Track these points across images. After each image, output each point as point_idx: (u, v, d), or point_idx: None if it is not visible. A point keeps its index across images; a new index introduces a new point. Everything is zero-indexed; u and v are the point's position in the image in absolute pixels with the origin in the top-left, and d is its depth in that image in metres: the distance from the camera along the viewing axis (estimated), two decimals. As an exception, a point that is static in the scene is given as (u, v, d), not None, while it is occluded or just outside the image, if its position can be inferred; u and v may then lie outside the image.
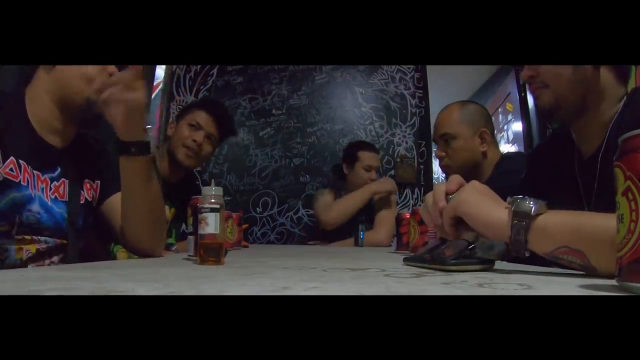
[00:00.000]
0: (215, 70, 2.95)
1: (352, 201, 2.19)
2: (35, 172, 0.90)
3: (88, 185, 1.02)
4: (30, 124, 0.92)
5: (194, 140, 1.60)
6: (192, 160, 1.62)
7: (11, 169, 0.85)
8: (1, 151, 0.85)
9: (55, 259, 0.93)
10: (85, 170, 1.01)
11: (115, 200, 1.03)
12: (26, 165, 0.88)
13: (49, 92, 0.93)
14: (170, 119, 1.74)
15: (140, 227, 0.96)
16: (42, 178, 0.91)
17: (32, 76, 0.95)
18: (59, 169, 0.95)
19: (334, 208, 2.21)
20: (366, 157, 2.26)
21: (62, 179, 0.95)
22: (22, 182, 0.87)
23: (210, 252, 0.74)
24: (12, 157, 0.85)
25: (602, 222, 0.52)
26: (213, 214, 0.74)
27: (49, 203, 0.92)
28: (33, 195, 0.88)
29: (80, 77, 0.92)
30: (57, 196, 0.94)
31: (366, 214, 2.23)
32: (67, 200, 0.95)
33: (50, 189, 0.93)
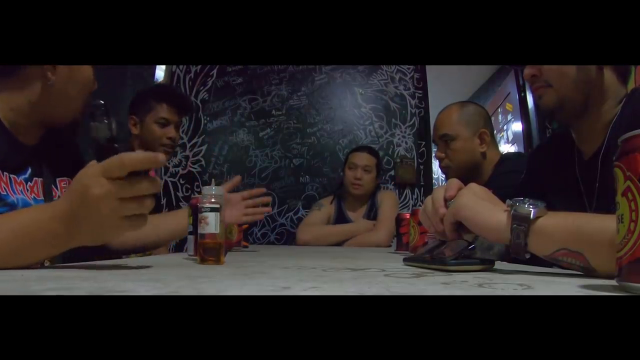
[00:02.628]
0: (215, 71, 2.95)
1: (332, 234, 2.16)
2: (11, 175, 0.87)
3: (63, 183, 1.00)
4: (2, 124, 0.87)
5: (169, 138, 1.71)
6: (169, 156, 1.78)
7: None
8: None
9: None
10: (58, 168, 0.99)
11: None
12: (1, 173, 0.84)
13: (35, 107, 0.88)
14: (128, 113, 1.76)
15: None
16: (19, 180, 0.89)
17: (9, 76, 0.87)
18: (30, 169, 0.92)
19: (312, 230, 2.18)
20: (352, 156, 2.26)
21: (35, 178, 0.93)
22: (0, 192, 0.84)
23: (210, 252, 0.74)
24: None
25: (601, 224, 0.52)
26: (213, 213, 0.74)
27: (32, 203, 0.91)
28: (15, 200, 0.87)
29: (67, 106, 0.90)
30: (35, 196, 0.92)
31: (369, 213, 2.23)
32: (42, 198, 0.93)
33: (28, 189, 0.91)
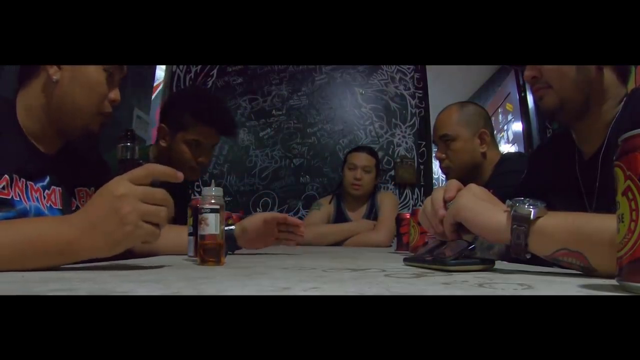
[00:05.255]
0: (215, 71, 2.95)
1: (332, 233, 2.15)
2: (28, 182, 0.88)
3: (82, 193, 1.00)
4: (22, 130, 0.89)
5: (199, 162, 1.46)
6: (195, 175, 1.52)
7: (3, 187, 0.82)
8: None
9: None
10: (77, 177, 0.99)
11: None
12: (17, 179, 0.85)
13: (44, 107, 0.89)
14: (158, 123, 1.56)
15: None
16: (35, 187, 0.89)
17: (26, 81, 0.90)
18: (48, 178, 0.92)
19: (312, 229, 2.17)
20: (351, 157, 2.25)
21: (53, 187, 0.93)
22: (14, 198, 0.84)
23: (210, 253, 0.74)
24: (5, 175, 0.82)
25: (601, 224, 0.52)
26: (213, 214, 0.74)
27: (46, 211, 0.91)
28: (28, 207, 0.87)
29: (80, 109, 0.90)
30: (52, 204, 0.93)
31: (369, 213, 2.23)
32: (60, 207, 0.94)
33: (44, 197, 0.91)
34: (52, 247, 0.61)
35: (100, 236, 0.61)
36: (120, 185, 0.61)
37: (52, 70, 0.87)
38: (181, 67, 2.95)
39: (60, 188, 0.94)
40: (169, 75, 2.94)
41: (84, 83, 0.90)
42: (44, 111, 0.89)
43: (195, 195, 1.65)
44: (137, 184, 0.62)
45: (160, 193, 0.64)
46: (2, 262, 0.57)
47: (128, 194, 0.61)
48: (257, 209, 2.85)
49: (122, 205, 0.60)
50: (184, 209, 1.01)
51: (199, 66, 2.95)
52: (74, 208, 0.97)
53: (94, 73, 0.91)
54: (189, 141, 1.44)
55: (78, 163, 1.00)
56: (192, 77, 2.95)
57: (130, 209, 0.60)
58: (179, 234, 1.02)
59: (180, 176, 0.66)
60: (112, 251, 0.63)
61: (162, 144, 1.49)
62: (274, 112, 2.94)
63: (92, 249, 0.62)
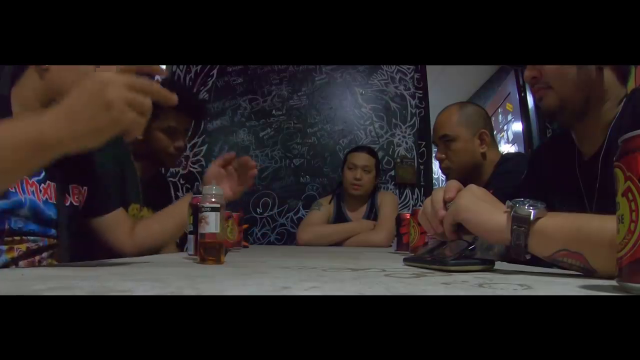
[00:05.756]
0: (215, 71, 2.95)
1: (333, 233, 2.15)
2: (27, 177, 0.89)
3: (76, 190, 1.01)
4: None
5: (176, 148, 1.53)
6: (174, 161, 1.60)
7: None
8: None
9: (44, 254, 0.93)
10: (71, 174, 1.00)
11: (115, 218, 1.07)
12: None
13: (39, 96, 0.90)
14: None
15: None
16: (31, 182, 0.91)
17: (20, 76, 0.92)
18: (44, 172, 0.93)
19: (313, 229, 2.18)
20: (351, 157, 2.25)
21: (48, 181, 0.94)
22: (9, 189, 0.85)
23: (210, 252, 0.74)
24: None
25: (600, 224, 0.52)
26: (213, 213, 0.74)
27: (42, 205, 0.91)
28: (23, 200, 0.88)
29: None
30: (47, 198, 0.93)
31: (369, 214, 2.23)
32: (55, 202, 0.95)
33: (40, 191, 0.92)
34: (24, 147, 0.57)
35: (82, 123, 0.57)
36: (105, 72, 0.58)
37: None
38: (181, 67, 2.95)
39: (54, 183, 0.95)
40: (169, 75, 2.93)
41: (73, 70, 0.90)
42: (38, 100, 0.90)
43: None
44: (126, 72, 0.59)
45: (146, 82, 0.60)
46: None
47: (114, 80, 0.57)
48: (258, 209, 2.86)
49: (108, 90, 0.56)
50: (168, 197, 1.03)
51: (199, 66, 2.95)
52: (67, 204, 0.98)
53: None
54: (164, 128, 1.51)
55: (72, 160, 1.00)
56: (192, 77, 2.95)
57: (116, 94, 0.57)
58: (161, 226, 1.05)
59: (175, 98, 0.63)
60: (95, 140, 0.59)
61: (139, 137, 1.54)
62: (274, 112, 2.94)
63: (73, 138, 0.58)
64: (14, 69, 0.93)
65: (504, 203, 0.63)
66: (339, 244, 2.10)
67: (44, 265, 0.91)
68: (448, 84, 3.81)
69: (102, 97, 0.56)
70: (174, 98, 0.63)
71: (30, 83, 0.91)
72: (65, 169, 0.97)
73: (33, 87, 0.91)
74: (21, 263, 0.88)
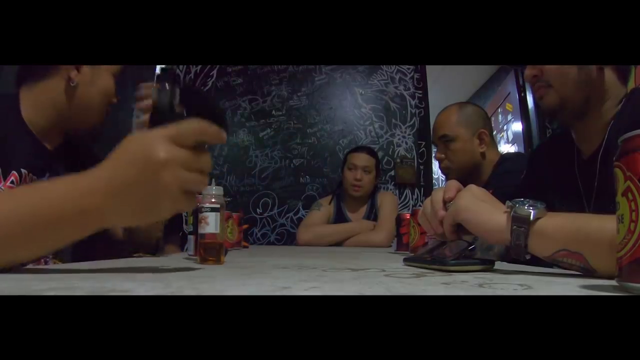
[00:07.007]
0: (215, 72, 2.96)
1: (333, 233, 2.15)
2: (33, 177, 0.89)
3: None
4: (27, 126, 0.90)
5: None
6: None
7: (12, 182, 0.84)
8: (2, 163, 0.83)
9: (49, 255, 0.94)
10: (74, 173, 1.01)
11: None
12: (27, 174, 0.87)
13: (57, 105, 0.91)
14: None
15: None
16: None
17: (36, 78, 0.91)
18: (48, 174, 0.94)
19: (313, 230, 2.18)
20: (351, 157, 2.25)
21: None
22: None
23: (210, 252, 0.74)
24: (13, 171, 0.84)
25: (600, 224, 0.52)
26: (213, 213, 0.74)
27: None
28: None
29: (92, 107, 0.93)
30: None
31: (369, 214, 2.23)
32: None
33: None
34: (69, 219, 0.51)
35: (132, 206, 0.51)
36: (162, 147, 0.50)
37: (73, 73, 0.90)
38: (181, 67, 2.95)
39: None
40: (169, 75, 2.93)
41: (101, 88, 0.94)
42: (56, 109, 0.91)
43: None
44: (180, 144, 0.51)
45: (206, 159, 0.53)
46: (8, 242, 0.49)
47: (171, 161, 0.50)
48: (257, 209, 2.86)
49: (164, 174, 0.49)
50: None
51: (199, 66, 2.95)
52: None
53: (108, 79, 0.96)
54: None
55: (74, 160, 1.01)
56: (192, 77, 2.95)
57: (172, 179, 0.50)
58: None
59: (224, 137, 0.54)
60: (138, 222, 0.54)
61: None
62: (274, 112, 2.94)
63: (119, 219, 0.53)
64: (19, 68, 0.93)
65: (504, 203, 0.63)
66: (339, 244, 2.10)
67: (47, 266, 0.91)
68: (448, 84, 3.81)
69: (158, 181, 0.50)
70: (224, 137, 0.55)
71: (51, 90, 0.90)
72: (67, 170, 0.98)
73: (53, 95, 0.90)
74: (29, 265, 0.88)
